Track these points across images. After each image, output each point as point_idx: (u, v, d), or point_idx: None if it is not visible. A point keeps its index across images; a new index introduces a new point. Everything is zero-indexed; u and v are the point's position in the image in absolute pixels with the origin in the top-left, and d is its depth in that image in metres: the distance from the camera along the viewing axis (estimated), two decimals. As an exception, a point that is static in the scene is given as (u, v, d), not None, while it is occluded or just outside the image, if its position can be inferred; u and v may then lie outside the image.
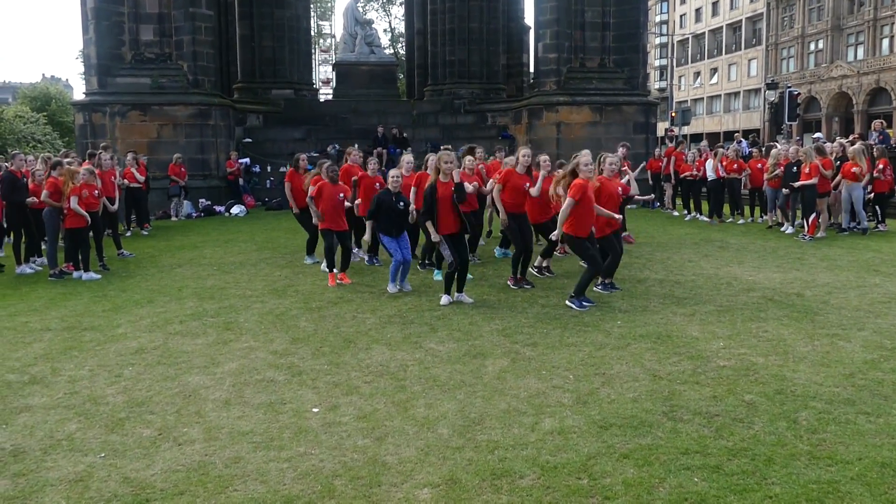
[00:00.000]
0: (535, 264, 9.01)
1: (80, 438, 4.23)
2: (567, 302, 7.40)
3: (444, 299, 7.56)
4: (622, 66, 21.59)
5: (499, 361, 5.57)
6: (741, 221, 14.64)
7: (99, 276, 9.52)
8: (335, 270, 8.84)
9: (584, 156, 7.49)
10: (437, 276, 8.77)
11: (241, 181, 19.21)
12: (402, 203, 8.41)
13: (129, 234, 13.86)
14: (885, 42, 45.86)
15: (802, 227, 12.33)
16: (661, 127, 43.13)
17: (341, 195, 8.89)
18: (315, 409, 4.63)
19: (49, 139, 47.83)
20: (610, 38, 21.46)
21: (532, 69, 26.38)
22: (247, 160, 20.22)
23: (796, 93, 27.82)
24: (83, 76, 31.64)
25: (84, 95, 20.05)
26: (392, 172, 8.51)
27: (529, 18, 27.18)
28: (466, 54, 25.06)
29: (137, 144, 17.84)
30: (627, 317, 6.92)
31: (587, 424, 4.27)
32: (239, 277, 9.32)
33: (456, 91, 24.99)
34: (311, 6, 32.33)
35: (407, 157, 9.67)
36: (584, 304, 7.30)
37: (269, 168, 20.81)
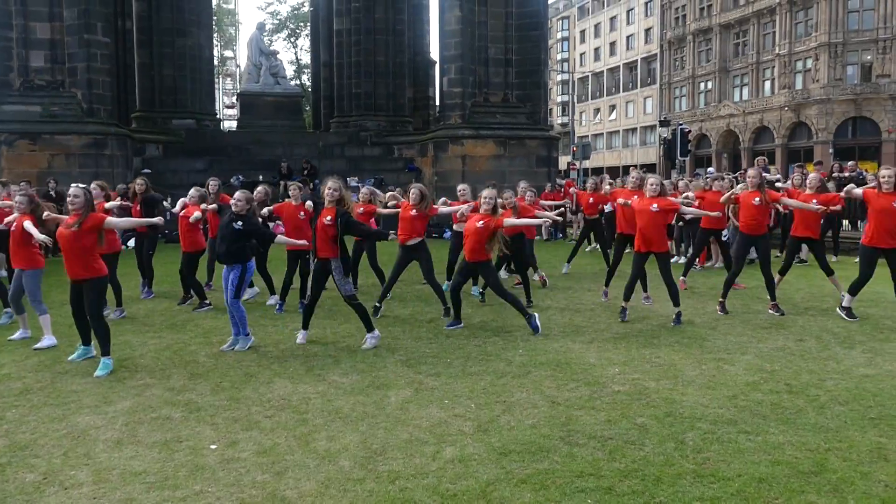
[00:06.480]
0: None
1: (-46, 487, 3.97)
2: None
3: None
4: (525, 101, 22.32)
5: (402, 392, 5.60)
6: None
7: (-20, 314, 8.96)
8: None
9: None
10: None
11: None
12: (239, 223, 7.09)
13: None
14: (767, 84, 49.23)
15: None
16: (564, 161, 44.60)
17: None
18: (213, 446, 4.51)
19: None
20: (512, 74, 22.17)
21: (438, 102, 26.85)
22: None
23: (687, 130, 29.36)
24: (-33, 102, 29.91)
25: (-33, 122, 18.97)
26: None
27: (435, 53, 27.71)
28: (373, 87, 25.24)
29: (27, 175, 16.97)
30: (529, 345, 7.10)
31: (487, 451, 4.35)
32: (135, 311, 8.98)
33: (362, 123, 25.09)
34: (215, 35, 31.78)
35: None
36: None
37: (168, 199, 20.11)
